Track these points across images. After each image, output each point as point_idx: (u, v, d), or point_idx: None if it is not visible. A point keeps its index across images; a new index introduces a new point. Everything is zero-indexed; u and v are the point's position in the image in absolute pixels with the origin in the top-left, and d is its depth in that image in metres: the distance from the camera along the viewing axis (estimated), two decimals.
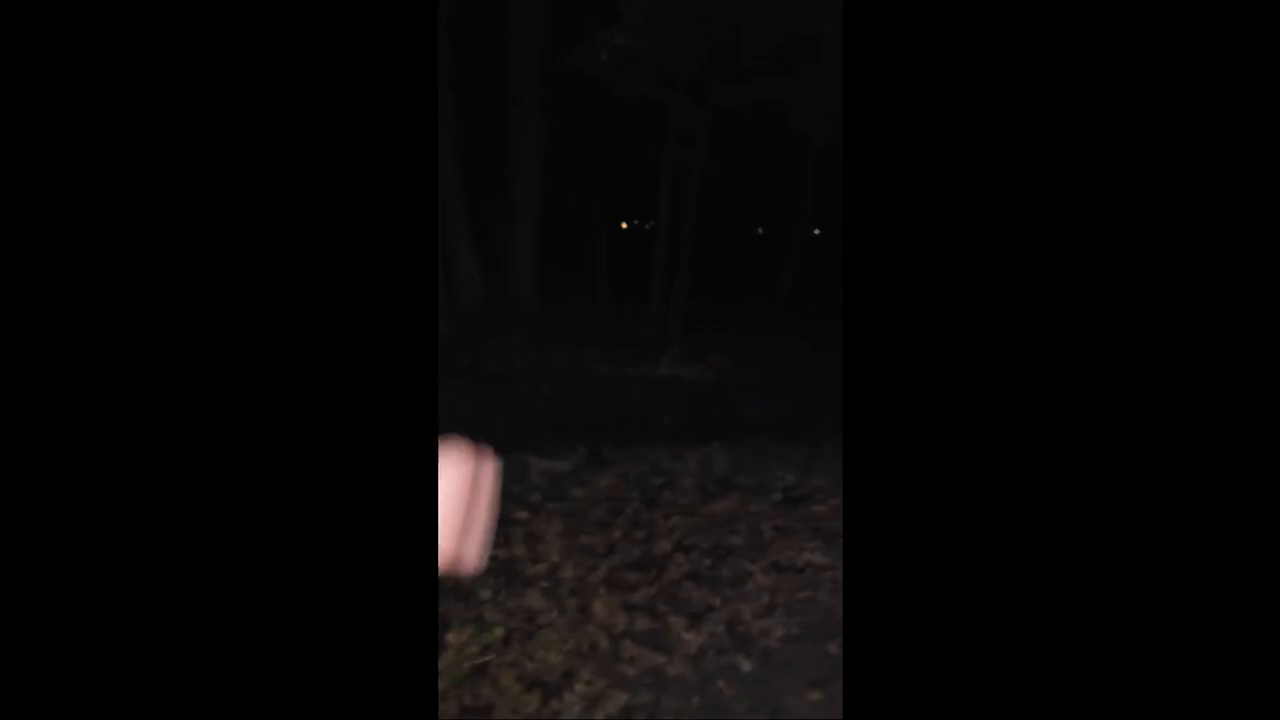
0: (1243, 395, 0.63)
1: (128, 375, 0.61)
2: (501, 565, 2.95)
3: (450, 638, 2.43)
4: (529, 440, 5.21)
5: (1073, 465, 0.67)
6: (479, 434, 0.67)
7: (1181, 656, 0.63)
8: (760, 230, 21.40)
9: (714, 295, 11.28)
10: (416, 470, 0.62)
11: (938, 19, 0.70)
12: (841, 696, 2.22)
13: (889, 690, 0.68)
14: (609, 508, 3.73)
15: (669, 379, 7.03)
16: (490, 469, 0.60)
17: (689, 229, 8.26)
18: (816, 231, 18.24)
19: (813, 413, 6.60)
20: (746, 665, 2.28)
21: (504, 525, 3.35)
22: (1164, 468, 0.65)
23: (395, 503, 0.63)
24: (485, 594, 2.72)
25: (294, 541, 0.62)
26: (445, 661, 2.31)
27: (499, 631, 2.49)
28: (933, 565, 0.68)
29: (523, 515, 3.53)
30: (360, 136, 0.65)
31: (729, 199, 14.53)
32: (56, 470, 0.59)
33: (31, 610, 0.58)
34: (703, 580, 2.86)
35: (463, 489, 0.58)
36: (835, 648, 2.40)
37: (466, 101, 8.26)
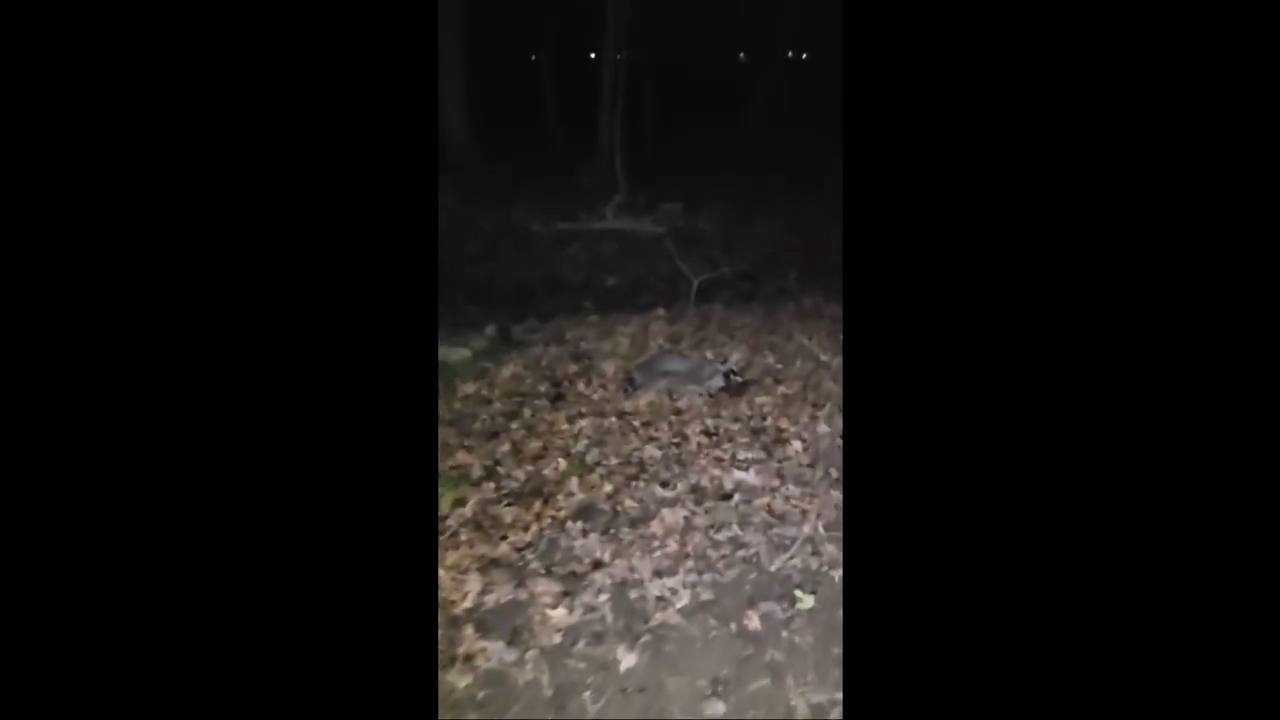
0: (1242, 396, 0.64)
1: (125, 346, 0.64)
2: None
3: None
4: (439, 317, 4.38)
5: (1074, 464, 0.69)
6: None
7: (1181, 655, 0.64)
8: (742, 55, 19.12)
9: (676, 132, 9.91)
10: (416, 465, 0.70)
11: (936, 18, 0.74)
12: (751, 705, 1.54)
13: (888, 690, 0.70)
14: (504, 409, 2.99)
15: (614, 233, 6.08)
16: None
17: (633, 48, 6.83)
18: (804, 55, 16.27)
19: (777, 267, 5.75)
20: (629, 659, 1.64)
21: None
22: (1163, 467, 0.66)
23: (394, 497, 0.69)
24: None
25: (292, 539, 0.66)
26: None
27: None
28: (932, 563, 0.71)
29: None
30: (360, 127, 0.72)
31: (695, 18, 12.52)
32: (64, 475, 0.62)
33: (34, 609, 0.60)
34: (597, 518, 2.17)
35: None
36: (755, 620, 1.76)
37: None
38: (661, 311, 4.61)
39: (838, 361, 3.41)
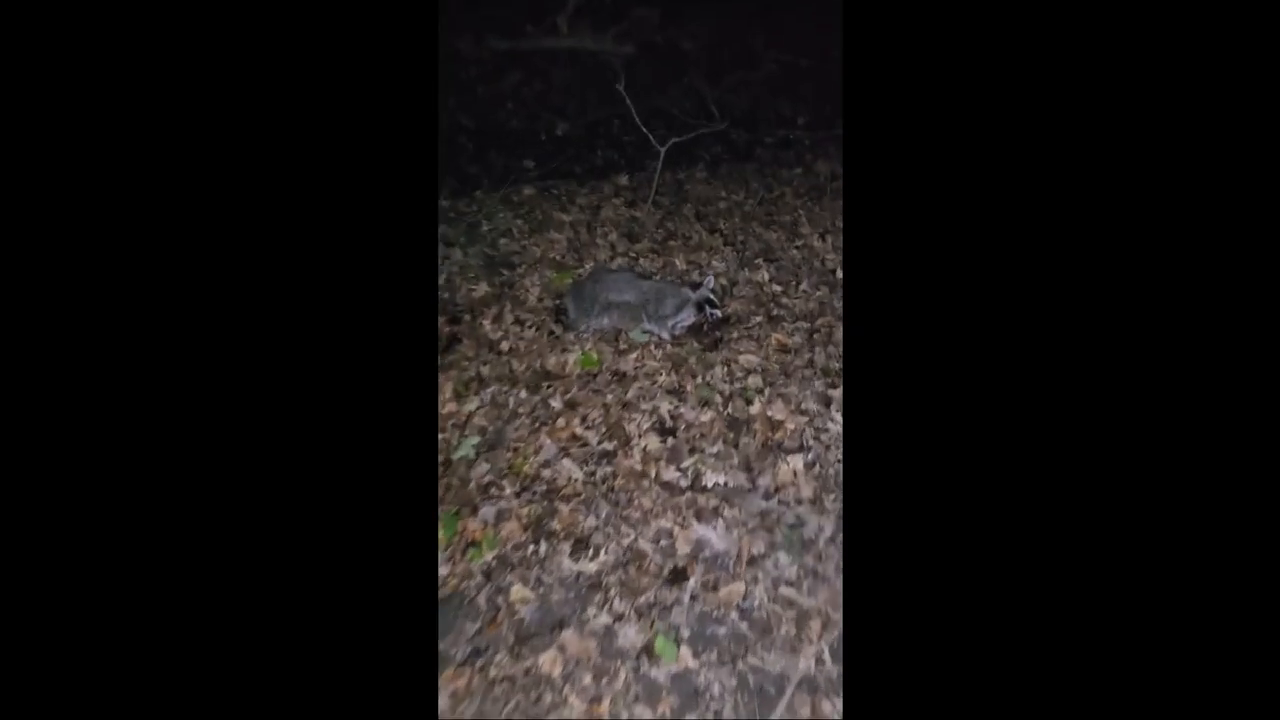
0: (1241, 395, 0.64)
1: (129, 351, 0.65)
2: None
3: None
4: None
5: (1076, 466, 0.68)
6: None
7: (1180, 655, 0.64)
8: None
9: None
10: (416, 465, 0.69)
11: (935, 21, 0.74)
12: None
13: (889, 690, 0.68)
14: None
15: (568, 55, 4.60)
16: None
17: None
18: None
19: (783, 107, 4.41)
20: None
21: None
22: (1162, 468, 0.66)
23: (395, 498, 0.69)
24: None
25: (293, 539, 0.67)
26: None
27: None
28: (933, 565, 0.70)
29: None
30: (361, 127, 0.71)
31: None
32: (63, 472, 0.63)
33: (34, 610, 0.61)
34: (460, 628, 1.31)
35: None
36: None
37: None
38: (624, 179, 3.45)
39: None
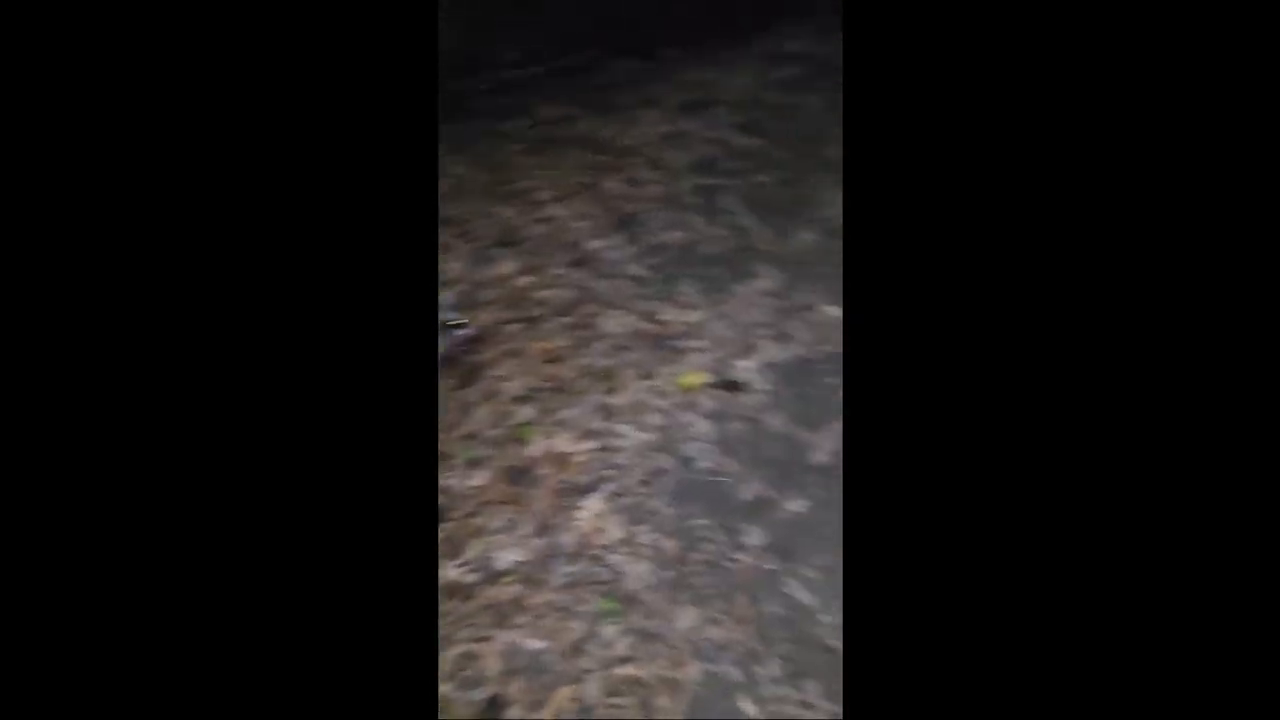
0: (1242, 395, 0.63)
1: (126, 349, 0.61)
2: None
3: None
4: None
5: (1076, 465, 0.65)
6: None
7: (1181, 656, 0.63)
8: None
9: None
10: (416, 468, 0.66)
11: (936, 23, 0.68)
12: None
13: (889, 690, 0.66)
14: None
15: None
16: None
17: None
18: None
19: (503, 49, 3.90)
20: None
21: None
22: (1163, 467, 0.64)
23: (395, 499, 0.65)
24: None
25: (294, 539, 0.63)
26: None
27: None
28: (934, 565, 0.66)
29: None
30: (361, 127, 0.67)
31: None
32: (68, 483, 0.60)
33: (35, 614, 0.59)
34: None
35: None
36: None
37: None
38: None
39: (617, 255, 2.16)
